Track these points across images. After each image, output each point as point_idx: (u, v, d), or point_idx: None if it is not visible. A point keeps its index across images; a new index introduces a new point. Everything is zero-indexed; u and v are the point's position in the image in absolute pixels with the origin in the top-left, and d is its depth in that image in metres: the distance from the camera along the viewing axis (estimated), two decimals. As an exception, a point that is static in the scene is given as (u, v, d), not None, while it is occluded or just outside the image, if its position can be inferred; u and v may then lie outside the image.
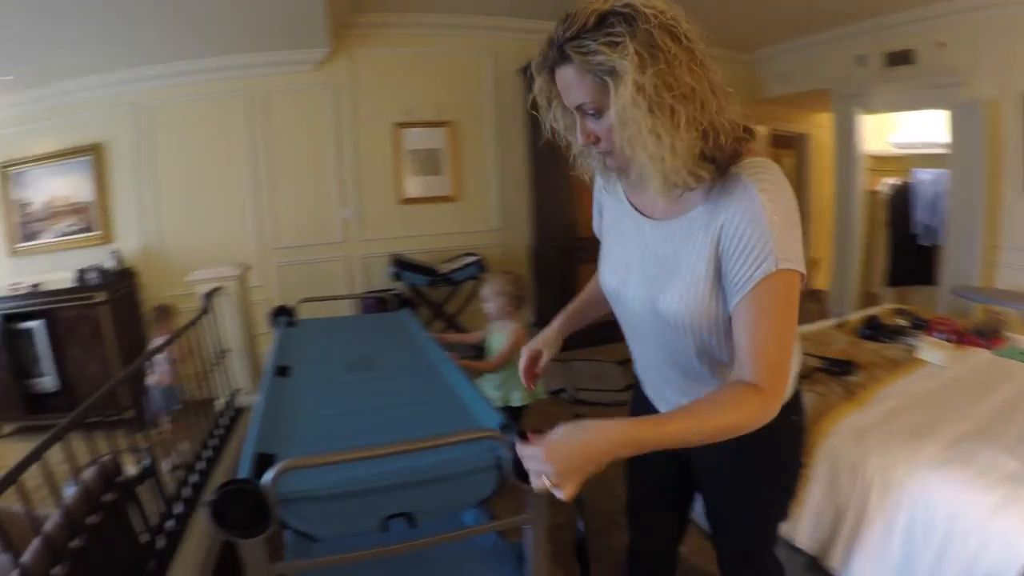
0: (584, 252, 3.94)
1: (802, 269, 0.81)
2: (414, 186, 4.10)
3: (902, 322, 2.61)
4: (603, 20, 0.75)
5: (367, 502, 1.18)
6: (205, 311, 2.89)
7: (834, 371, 2.05)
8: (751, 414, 0.79)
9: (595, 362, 3.60)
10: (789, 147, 5.59)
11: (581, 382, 3.35)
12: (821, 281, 4.67)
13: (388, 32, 3.96)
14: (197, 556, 1.89)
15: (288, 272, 4.18)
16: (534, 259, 4.36)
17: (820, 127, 5.37)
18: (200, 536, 1.97)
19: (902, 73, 4.04)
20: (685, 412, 0.81)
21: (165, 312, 3.27)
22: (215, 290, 3.11)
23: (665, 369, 1.02)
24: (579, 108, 0.83)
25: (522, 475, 1.16)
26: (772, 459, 1.05)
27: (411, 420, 1.56)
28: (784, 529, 1.71)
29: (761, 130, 4.99)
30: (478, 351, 2.40)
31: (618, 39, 0.73)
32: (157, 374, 2.94)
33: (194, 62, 3.87)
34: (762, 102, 4.95)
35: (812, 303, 4.41)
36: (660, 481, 1.25)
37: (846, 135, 4.54)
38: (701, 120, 0.77)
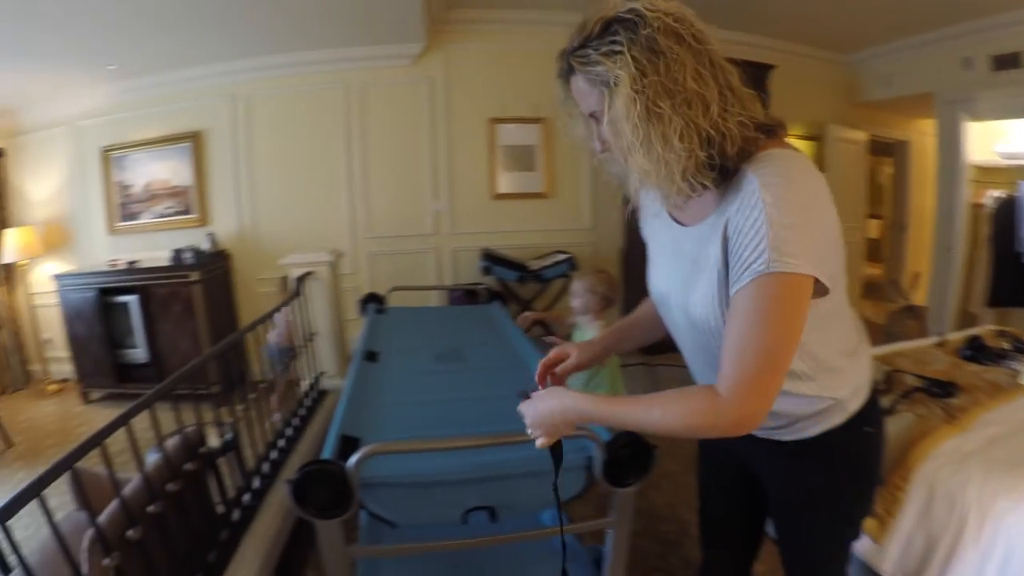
0: None
1: (810, 271, 0.73)
2: (507, 182, 4.10)
3: (1005, 345, 2.47)
4: (607, 28, 0.75)
5: (451, 493, 1.16)
6: (297, 294, 2.94)
7: (934, 392, 1.94)
8: (695, 413, 0.77)
9: (682, 368, 3.48)
10: (888, 154, 5.33)
11: (666, 388, 3.23)
12: (919, 296, 4.43)
13: (483, 28, 3.97)
14: (269, 531, 1.91)
15: (379, 262, 4.25)
16: (624, 261, 4.24)
17: (922, 134, 5.10)
18: (274, 512, 1.99)
19: (1011, 77, 3.78)
20: (639, 398, 0.85)
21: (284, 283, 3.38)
22: (307, 274, 3.16)
23: (708, 374, 0.97)
24: (592, 116, 0.83)
25: (613, 478, 1.12)
26: (841, 472, 0.98)
27: (499, 413, 1.49)
28: (869, 554, 1.61)
29: (859, 136, 4.77)
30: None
31: (618, 48, 0.73)
32: (276, 334, 3.02)
33: (293, 55, 3.97)
34: (860, 106, 4.73)
35: (910, 319, 4.18)
36: (730, 492, 1.20)
37: (949, 143, 4.27)
38: (703, 126, 0.74)
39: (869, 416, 0.97)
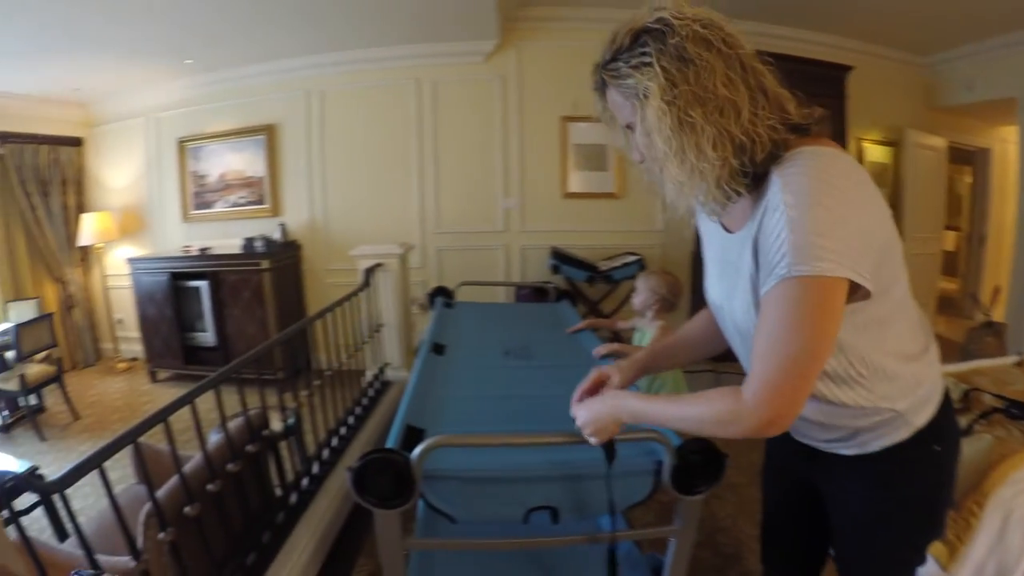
0: None
1: (840, 273, 0.69)
2: (578, 181, 4.06)
3: (1091, 365, 2.31)
4: (636, 39, 0.75)
5: (515, 490, 1.12)
6: (365, 285, 2.97)
7: (1014, 414, 1.82)
8: (718, 413, 0.77)
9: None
10: (968, 163, 5.10)
11: None
12: (998, 313, 4.21)
13: (555, 25, 3.95)
14: (325, 517, 1.91)
15: (447, 257, 4.28)
16: (695, 265, 4.15)
17: (1004, 141, 4.88)
18: (331, 498, 2.00)
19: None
20: (679, 397, 0.86)
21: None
22: (376, 266, 3.18)
23: None
24: (628, 127, 0.84)
25: (681, 485, 1.07)
26: (905, 491, 0.92)
27: (566, 412, 1.47)
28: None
29: (939, 142, 4.57)
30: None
31: (647, 60, 0.73)
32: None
33: (366, 51, 4.03)
34: (940, 111, 4.53)
35: (989, 336, 3.99)
36: (793, 508, 1.15)
37: (1034, 151, 4.06)
38: (736, 133, 0.73)
39: (939, 433, 0.91)
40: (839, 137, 3.85)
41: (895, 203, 4.44)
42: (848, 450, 0.93)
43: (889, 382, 0.86)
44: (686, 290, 4.12)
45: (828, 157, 0.75)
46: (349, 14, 3.50)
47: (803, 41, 4.00)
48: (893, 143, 4.43)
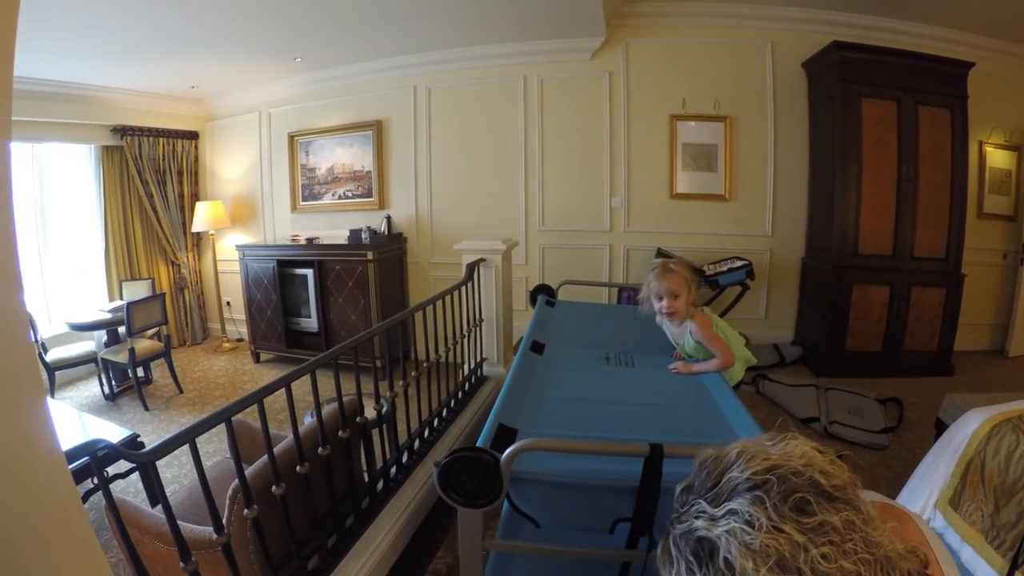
0: (864, 272, 3.63)
1: None
2: (685, 181, 3.98)
3: None
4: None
5: (603, 499, 1.07)
6: (468, 279, 2.99)
7: None
8: None
9: (854, 395, 3.27)
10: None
11: (836, 414, 3.01)
12: None
13: (662, 22, 3.92)
14: (409, 507, 1.90)
15: (550, 255, 4.30)
16: (804, 272, 4.06)
17: None
18: (417, 489, 1.99)
19: None
20: None
21: None
22: (479, 261, 3.21)
23: None
24: None
25: None
26: None
27: (663, 423, 1.42)
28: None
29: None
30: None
31: None
32: None
33: (473, 49, 4.11)
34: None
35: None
36: None
37: None
38: None
39: None
40: (958, 140, 3.65)
41: (1018, 212, 4.18)
42: None
43: None
44: (792, 299, 3.94)
45: None
46: (455, 13, 3.58)
47: (919, 36, 3.79)
48: (1017, 148, 4.16)
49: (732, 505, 0.56)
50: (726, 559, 0.53)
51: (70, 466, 0.77)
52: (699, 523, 0.57)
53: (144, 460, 1.05)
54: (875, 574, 0.53)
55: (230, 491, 1.32)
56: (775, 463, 0.58)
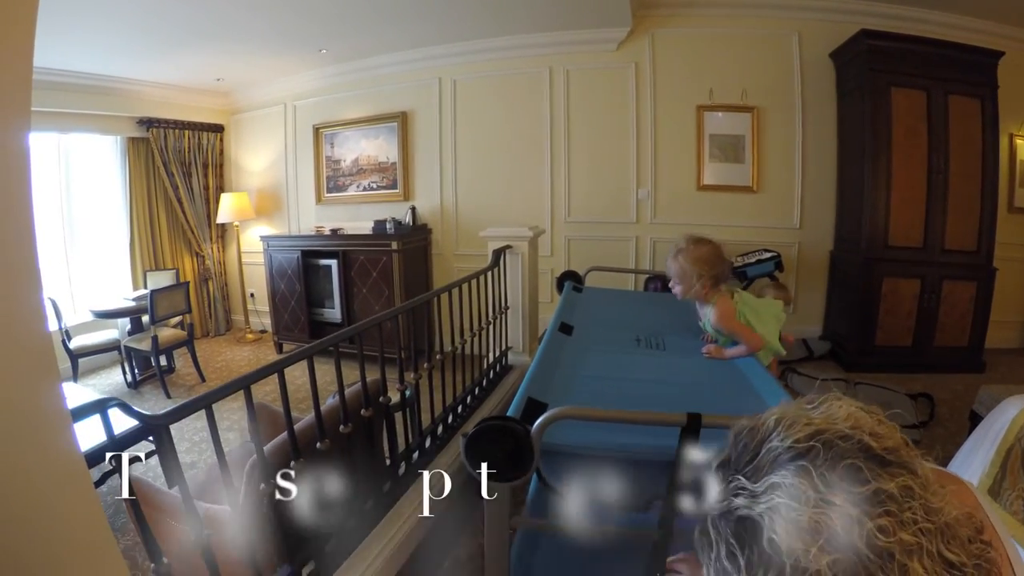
0: (894, 264, 3.57)
1: None
2: (713, 173, 3.96)
3: None
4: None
5: (638, 474, 1.03)
6: (495, 266, 2.97)
7: None
8: None
9: (884, 389, 3.22)
10: None
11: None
12: None
13: (688, 12, 3.89)
14: (431, 490, 1.87)
15: (576, 246, 4.30)
16: (832, 265, 4.02)
17: None
18: (439, 474, 1.96)
19: None
20: None
21: None
22: (505, 248, 3.19)
23: None
24: None
25: None
26: None
27: (696, 400, 1.38)
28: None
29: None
30: None
31: None
32: None
33: (498, 40, 4.10)
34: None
35: None
36: None
37: None
38: None
39: None
40: (989, 130, 3.60)
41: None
42: None
43: None
44: (821, 294, 3.90)
45: None
46: (481, 4, 3.58)
47: (946, 26, 3.72)
48: (1050, 141, 4.08)
49: (774, 479, 0.50)
50: (771, 539, 0.48)
51: (75, 423, 0.76)
52: (738, 501, 0.52)
53: (158, 423, 1.03)
54: (936, 545, 0.48)
55: (247, 466, 1.30)
56: (818, 428, 0.52)
